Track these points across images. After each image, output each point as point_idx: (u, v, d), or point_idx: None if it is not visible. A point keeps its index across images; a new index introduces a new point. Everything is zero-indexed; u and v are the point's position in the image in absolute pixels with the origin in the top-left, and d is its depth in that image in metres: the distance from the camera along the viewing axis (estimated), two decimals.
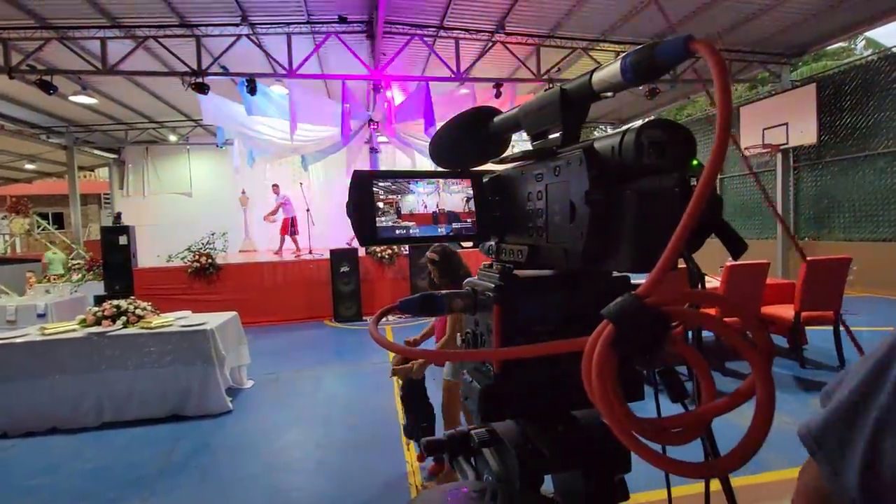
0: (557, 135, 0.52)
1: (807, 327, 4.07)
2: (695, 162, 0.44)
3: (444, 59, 7.59)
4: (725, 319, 0.40)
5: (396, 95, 8.35)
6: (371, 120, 9.21)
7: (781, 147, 8.57)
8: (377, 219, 0.55)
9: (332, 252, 7.30)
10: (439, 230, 0.58)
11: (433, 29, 7.36)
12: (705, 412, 0.37)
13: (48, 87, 6.84)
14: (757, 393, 0.35)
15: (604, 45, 7.92)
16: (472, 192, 0.59)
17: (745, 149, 9.23)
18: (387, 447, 3.03)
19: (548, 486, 0.62)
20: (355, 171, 0.55)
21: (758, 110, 9.04)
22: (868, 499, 0.40)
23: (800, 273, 3.85)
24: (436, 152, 0.66)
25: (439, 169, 0.62)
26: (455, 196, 0.59)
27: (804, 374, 3.88)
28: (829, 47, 9.77)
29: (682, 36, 0.34)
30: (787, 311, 4.01)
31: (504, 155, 0.63)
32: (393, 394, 3.98)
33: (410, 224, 0.57)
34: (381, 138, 10.24)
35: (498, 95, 8.08)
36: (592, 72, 0.45)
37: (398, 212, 0.56)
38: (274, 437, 3.31)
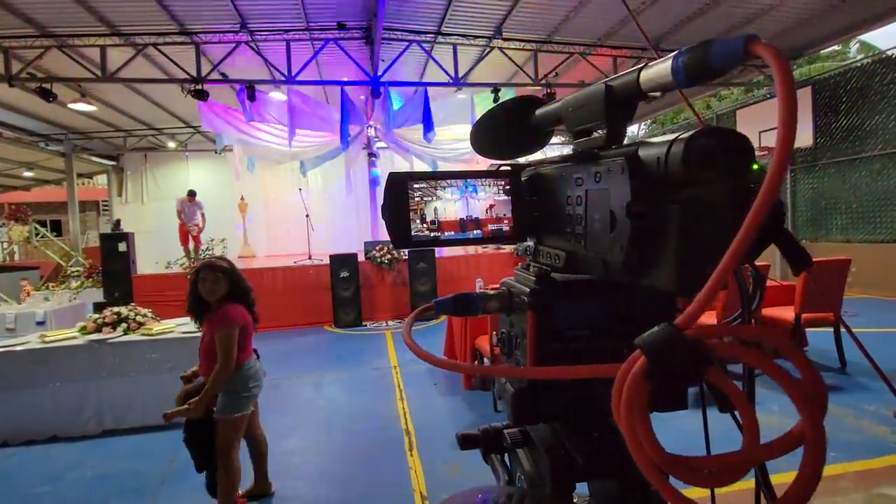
0: (601, 134, 0.48)
1: (807, 329, 4.08)
2: (755, 166, 0.40)
3: (443, 64, 7.63)
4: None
5: (395, 101, 8.39)
6: (369, 125, 9.25)
7: None
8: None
9: (332, 257, 7.30)
10: (473, 232, 0.56)
11: (431, 35, 7.41)
12: (747, 457, 0.34)
13: (48, 95, 6.85)
14: (806, 443, 0.32)
15: (601, 49, 7.98)
16: (497, 198, 0.57)
17: None
18: (389, 454, 3.02)
19: (583, 489, 0.61)
20: (391, 174, 0.54)
21: (754, 113, 9.10)
22: None
23: (800, 275, 3.87)
24: (477, 140, 0.63)
25: (475, 169, 0.60)
26: (481, 203, 0.57)
27: None
28: (823, 51, 9.84)
29: (742, 35, 0.31)
30: (787, 314, 4.02)
31: (546, 158, 0.60)
32: (395, 399, 3.97)
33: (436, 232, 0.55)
34: (380, 144, 10.28)
35: (496, 101, 8.12)
36: (640, 69, 0.41)
37: (422, 219, 0.55)
38: (275, 443, 3.28)
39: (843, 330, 3.97)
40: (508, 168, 0.59)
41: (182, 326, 3.94)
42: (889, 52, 7.63)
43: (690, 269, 0.34)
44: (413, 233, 0.55)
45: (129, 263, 7.15)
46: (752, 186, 0.37)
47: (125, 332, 3.75)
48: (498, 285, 0.60)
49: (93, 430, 3.53)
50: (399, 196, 0.53)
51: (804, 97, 8.16)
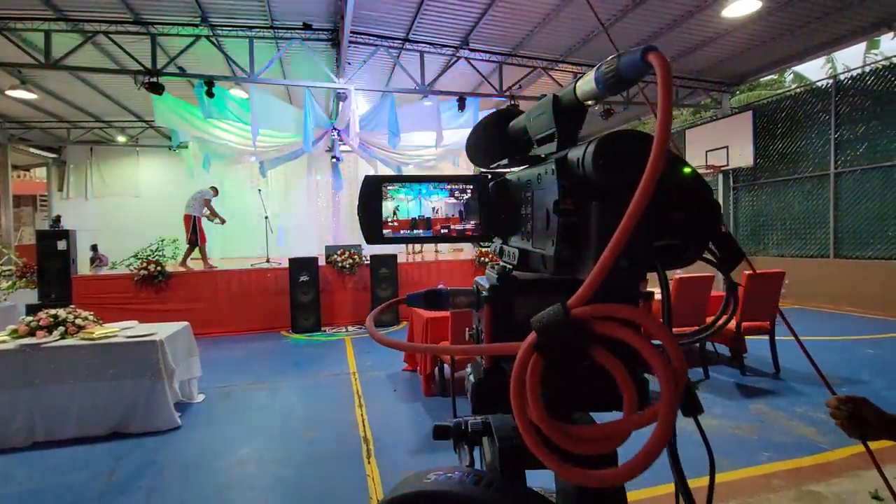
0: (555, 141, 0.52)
1: (746, 337, 4.36)
2: (687, 169, 0.43)
3: (409, 71, 7.67)
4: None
5: (360, 105, 8.34)
6: (334, 128, 9.14)
7: (722, 168, 9.21)
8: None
9: (292, 261, 7.12)
10: (442, 230, 0.59)
11: (399, 41, 7.43)
12: (623, 426, 0.38)
13: None
14: (660, 408, 0.36)
15: (563, 65, 8.28)
16: (448, 201, 0.60)
17: None
18: (347, 461, 2.97)
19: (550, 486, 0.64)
20: (367, 176, 0.57)
21: (701, 134, 9.69)
22: None
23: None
24: (469, 149, 0.68)
25: (445, 174, 0.63)
26: (434, 204, 0.61)
27: (744, 381, 4.15)
28: (762, 79, 10.64)
29: (641, 47, 0.35)
30: (729, 322, 4.28)
31: (501, 161, 0.65)
32: (353, 405, 3.92)
33: (387, 231, 0.58)
34: (344, 147, 10.17)
35: (461, 108, 8.24)
36: (577, 80, 0.46)
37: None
38: (226, 453, 3.17)
39: (777, 336, 4.28)
40: (478, 173, 0.63)
41: (128, 330, 3.73)
42: (818, 84, 8.35)
43: None
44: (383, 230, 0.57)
45: (68, 263, 6.68)
46: (666, 185, 0.39)
47: (62, 336, 3.51)
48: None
49: (22, 443, 3.26)
50: (373, 197, 0.56)
51: (745, 121, 8.77)
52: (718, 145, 9.16)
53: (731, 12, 6.42)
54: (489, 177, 0.62)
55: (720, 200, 9.74)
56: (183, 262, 8.05)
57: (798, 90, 8.91)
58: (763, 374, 4.31)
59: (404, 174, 0.62)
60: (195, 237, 7.91)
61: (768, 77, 11.09)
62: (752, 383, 4.08)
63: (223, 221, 8.45)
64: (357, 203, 0.57)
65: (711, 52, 7.83)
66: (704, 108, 10.07)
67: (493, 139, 0.66)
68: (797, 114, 8.48)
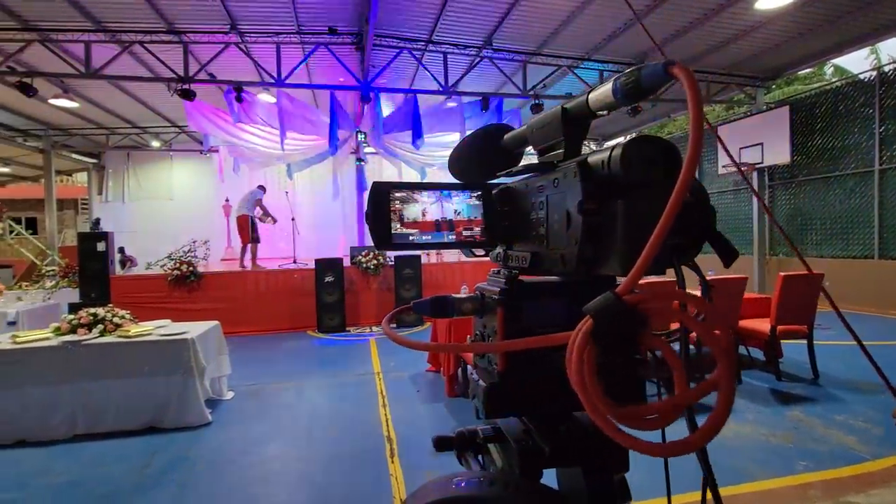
0: (561, 150, 0.55)
1: (782, 341, 4.18)
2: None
3: (433, 72, 7.70)
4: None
5: (384, 107, 8.41)
6: (358, 130, 9.25)
7: (757, 166, 8.87)
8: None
9: (317, 261, 7.25)
10: (449, 237, 0.61)
11: (422, 43, 7.47)
12: (678, 401, 0.40)
13: (28, 90, 6.70)
14: (720, 382, 0.38)
15: (588, 63, 8.14)
16: (468, 202, 0.62)
17: (723, 166, 9.54)
18: (370, 460, 3.00)
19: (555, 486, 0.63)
20: (375, 183, 0.58)
21: (734, 130, 9.35)
22: None
23: (776, 288, 3.98)
24: (454, 166, 0.70)
25: (452, 181, 0.65)
26: (458, 205, 0.62)
27: (780, 387, 3.98)
28: (800, 72, 10.20)
29: (662, 61, 0.37)
30: (763, 325, 4.13)
31: (513, 168, 0.67)
32: (377, 405, 3.95)
33: (413, 231, 0.60)
34: (368, 149, 10.28)
35: (485, 109, 8.21)
36: (589, 92, 0.48)
37: (401, 219, 0.59)
38: (254, 449, 3.24)
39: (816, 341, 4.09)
40: (482, 181, 0.65)
41: (161, 329, 3.87)
42: (860, 76, 7.95)
43: (635, 254, 0.39)
44: (393, 233, 0.59)
45: (107, 263, 6.99)
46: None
47: (101, 334, 3.67)
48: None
49: (63, 435, 3.43)
50: (381, 204, 0.58)
51: (782, 117, 8.42)
52: (753, 142, 8.83)
53: (764, 4, 6.18)
54: (491, 186, 0.64)
55: (754, 199, 9.41)
56: (254, 263, 8.13)
57: (839, 83, 8.50)
58: (800, 379, 4.13)
59: (411, 181, 0.64)
60: (256, 234, 8.14)
61: (806, 71, 10.63)
62: (787, 389, 3.91)
63: (275, 221, 8.66)
64: (366, 210, 0.59)
65: (744, 45, 7.56)
66: (738, 104, 9.73)
67: (485, 152, 0.68)
68: (838, 108, 8.08)
